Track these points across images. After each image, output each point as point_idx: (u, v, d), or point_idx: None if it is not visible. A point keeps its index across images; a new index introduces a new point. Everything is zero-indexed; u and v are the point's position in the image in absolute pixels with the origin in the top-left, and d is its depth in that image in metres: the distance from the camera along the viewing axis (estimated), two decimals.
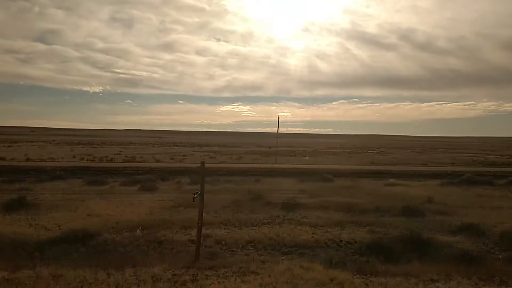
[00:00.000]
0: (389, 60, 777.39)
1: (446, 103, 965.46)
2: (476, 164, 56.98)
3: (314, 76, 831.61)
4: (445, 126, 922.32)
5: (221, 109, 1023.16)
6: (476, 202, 23.68)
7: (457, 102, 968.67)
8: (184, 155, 64.23)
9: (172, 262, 10.89)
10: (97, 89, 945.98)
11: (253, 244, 14.43)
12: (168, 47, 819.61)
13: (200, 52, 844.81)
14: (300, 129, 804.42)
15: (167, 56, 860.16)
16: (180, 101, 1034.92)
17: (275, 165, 47.28)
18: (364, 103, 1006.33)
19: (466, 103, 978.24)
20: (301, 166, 47.61)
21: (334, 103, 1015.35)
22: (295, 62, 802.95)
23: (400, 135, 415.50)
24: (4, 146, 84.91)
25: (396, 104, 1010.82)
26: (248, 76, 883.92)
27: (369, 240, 14.18)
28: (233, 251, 13.73)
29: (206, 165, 12.53)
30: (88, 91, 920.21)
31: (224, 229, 16.58)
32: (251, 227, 16.82)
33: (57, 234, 14.62)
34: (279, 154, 59.61)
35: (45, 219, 17.51)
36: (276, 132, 55.30)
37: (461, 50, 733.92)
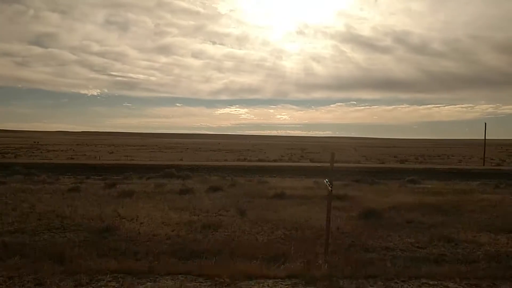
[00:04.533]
0: (385, 62, 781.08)
1: (444, 106, 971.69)
2: None
3: (310, 79, 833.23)
4: (444, 129, 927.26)
5: (219, 111, 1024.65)
6: None
7: (455, 105, 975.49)
8: None
9: None
10: (95, 92, 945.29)
11: None
12: (164, 50, 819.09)
13: (196, 55, 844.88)
14: (299, 131, 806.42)
15: (163, 59, 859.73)
16: (177, 104, 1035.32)
17: None
18: (362, 106, 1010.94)
19: (463, 105, 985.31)
20: None
21: (331, 105, 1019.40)
22: (291, 65, 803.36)
23: (400, 139, 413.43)
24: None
25: (394, 106, 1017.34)
26: (244, 79, 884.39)
27: None
28: None
29: None
30: (86, 94, 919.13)
31: None
32: None
33: None
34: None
35: None
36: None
37: (456, 53, 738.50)
